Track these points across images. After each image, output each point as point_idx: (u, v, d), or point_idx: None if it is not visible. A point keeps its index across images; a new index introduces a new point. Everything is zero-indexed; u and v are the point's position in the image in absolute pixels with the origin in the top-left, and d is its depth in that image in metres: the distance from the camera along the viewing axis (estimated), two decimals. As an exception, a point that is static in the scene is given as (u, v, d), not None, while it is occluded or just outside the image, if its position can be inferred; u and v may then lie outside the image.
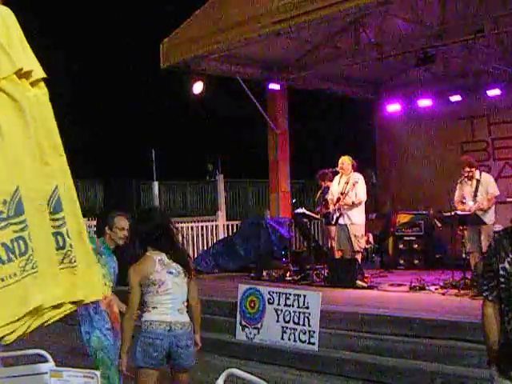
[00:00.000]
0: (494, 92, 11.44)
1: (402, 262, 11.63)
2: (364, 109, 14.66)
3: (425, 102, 12.49)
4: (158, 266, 4.30)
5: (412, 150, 13.24)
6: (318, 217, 10.31)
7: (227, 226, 13.75)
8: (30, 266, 2.15)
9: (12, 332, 2.12)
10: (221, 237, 13.26)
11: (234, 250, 11.72)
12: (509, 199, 10.66)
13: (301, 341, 7.09)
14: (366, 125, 14.71)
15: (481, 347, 5.29)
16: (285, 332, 7.28)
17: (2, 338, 2.13)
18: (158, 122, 23.11)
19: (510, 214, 8.60)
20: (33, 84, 2.27)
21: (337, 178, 9.88)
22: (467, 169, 8.61)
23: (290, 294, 7.38)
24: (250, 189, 21.27)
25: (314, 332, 7.01)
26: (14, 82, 2.17)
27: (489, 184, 8.63)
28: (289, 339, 7.21)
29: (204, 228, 13.32)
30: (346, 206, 9.50)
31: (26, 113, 2.18)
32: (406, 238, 11.75)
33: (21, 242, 2.13)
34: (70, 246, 2.32)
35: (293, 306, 7.28)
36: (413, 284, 8.81)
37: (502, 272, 2.96)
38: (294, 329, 7.20)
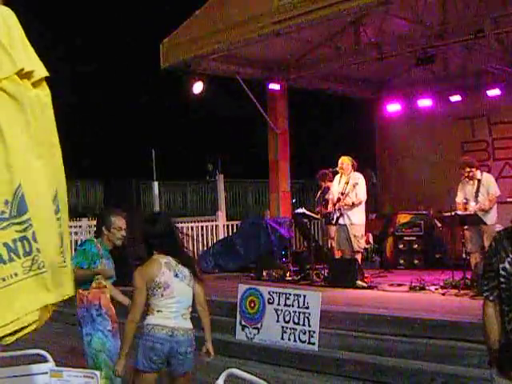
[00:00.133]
0: (493, 92, 11.44)
1: (401, 261, 11.64)
2: (364, 109, 14.66)
3: (425, 102, 12.49)
4: (165, 268, 4.28)
5: (412, 150, 13.24)
6: (318, 217, 10.31)
7: (227, 226, 13.75)
8: (36, 265, 2.15)
9: (14, 332, 2.13)
10: (221, 237, 13.27)
11: (234, 250, 11.72)
12: (509, 199, 10.66)
13: (301, 341, 7.09)
14: (366, 125, 14.71)
15: (481, 347, 5.30)
16: (285, 332, 7.28)
17: (3, 337, 2.13)
18: (158, 122, 23.11)
19: (510, 214, 8.60)
20: (35, 84, 2.27)
21: (337, 177, 9.88)
22: (467, 169, 8.62)
23: (290, 294, 7.38)
24: (250, 189, 21.27)
25: (314, 332, 7.01)
26: (15, 82, 2.17)
27: (490, 184, 8.63)
28: (289, 339, 7.21)
29: (204, 228, 13.32)
30: (346, 207, 9.51)
31: (27, 113, 2.18)
32: (405, 237, 11.76)
33: (25, 242, 2.13)
34: (65, 245, 2.34)
35: (293, 306, 7.28)
36: (413, 284, 8.81)
37: (502, 272, 2.96)
38: (294, 329, 7.20)
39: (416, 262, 11.50)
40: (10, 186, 2.12)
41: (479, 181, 8.62)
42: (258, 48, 10.72)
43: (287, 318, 7.29)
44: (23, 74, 2.20)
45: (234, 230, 13.41)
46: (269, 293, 7.58)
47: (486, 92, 11.53)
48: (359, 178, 9.59)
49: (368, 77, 13.08)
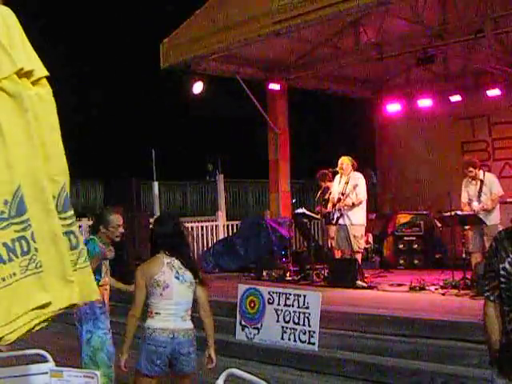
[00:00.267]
0: (493, 92, 11.43)
1: (401, 262, 11.64)
2: (364, 109, 14.65)
3: (425, 102, 12.48)
4: (166, 268, 4.29)
5: (412, 150, 13.23)
6: (318, 217, 10.31)
7: (227, 226, 13.75)
8: (33, 265, 2.15)
9: (12, 331, 2.13)
10: (221, 237, 13.26)
11: (234, 250, 11.72)
12: (509, 199, 10.66)
13: (301, 341, 7.09)
14: (366, 125, 14.70)
15: (481, 347, 5.30)
16: (285, 332, 7.27)
17: (2, 337, 2.13)
18: (158, 122, 23.09)
19: (510, 215, 8.60)
20: (35, 83, 2.26)
21: (337, 177, 9.89)
22: (470, 169, 8.63)
23: (290, 294, 7.38)
24: (250, 189, 21.26)
25: (314, 332, 7.01)
26: (14, 81, 2.17)
27: (492, 184, 8.63)
28: (289, 339, 7.21)
29: (204, 228, 13.32)
30: (346, 207, 9.50)
31: (28, 112, 2.18)
32: (406, 237, 11.76)
33: (23, 242, 2.13)
34: (82, 245, 2.34)
35: (293, 306, 7.28)
36: (413, 284, 8.81)
37: (502, 272, 2.96)
38: (294, 329, 7.20)
39: (416, 262, 11.50)
40: (10, 186, 2.12)
41: (482, 181, 8.63)
42: (257, 48, 10.72)
43: (287, 318, 7.29)
44: (23, 74, 2.20)
45: (234, 230, 13.41)
46: (269, 293, 7.58)
47: (485, 92, 11.52)
48: (359, 179, 9.59)
49: (368, 77, 13.09)
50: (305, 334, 7.08)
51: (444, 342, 6.39)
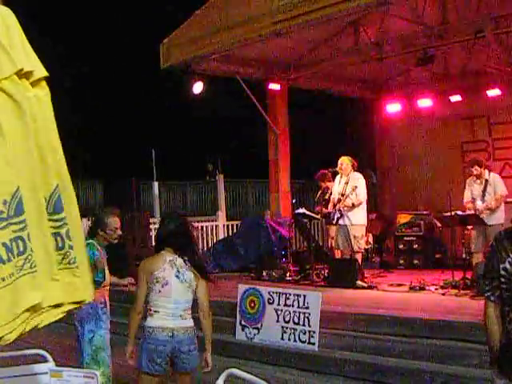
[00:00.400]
0: (493, 92, 11.42)
1: (401, 262, 11.63)
2: (364, 109, 14.65)
3: (425, 102, 12.47)
4: (167, 265, 4.30)
5: (412, 150, 13.24)
6: (318, 217, 10.31)
7: (227, 226, 13.76)
8: (28, 265, 2.15)
9: (11, 331, 2.13)
10: (221, 237, 13.27)
11: (234, 250, 11.71)
12: (509, 199, 10.66)
13: (301, 341, 7.09)
14: (366, 125, 14.70)
15: (481, 347, 5.31)
16: (285, 332, 7.27)
17: (2, 337, 2.13)
18: (158, 122, 23.09)
19: (511, 215, 8.61)
20: (34, 84, 2.26)
21: (337, 178, 9.89)
22: (476, 167, 8.59)
23: (290, 294, 7.37)
24: (250, 189, 21.25)
25: (314, 332, 7.01)
26: (14, 82, 2.17)
27: (497, 184, 8.60)
28: (289, 339, 7.21)
29: (204, 228, 13.32)
30: (346, 208, 9.50)
31: (27, 113, 2.18)
32: (406, 237, 11.76)
33: (19, 242, 2.14)
34: (70, 246, 2.32)
35: (293, 306, 7.27)
36: (413, 284, 8.81)
37: (502, 272, 2.96)
38: (294, 329, 7.20)
39: (416, 262, 11.50)
40: (9, 187, 2.12)
41: (486, 180, 8.60)
42: (257, 48, 10.71)
43: (287, 318, 7.29)
44: (22, 74, 2.20)
45: (234, 230, 13.41)
46: (269, 293, 7.58)
47: (486, 92, 11.51)
48: (359, 179, 9.57)
49: (368, 77, 13.08)
50: (305, 333, 7.08)
51: (444, 342, 6.38)
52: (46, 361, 3.69)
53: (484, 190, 8.56)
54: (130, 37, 21.84)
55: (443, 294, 8.21)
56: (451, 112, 12.29)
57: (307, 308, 7.15)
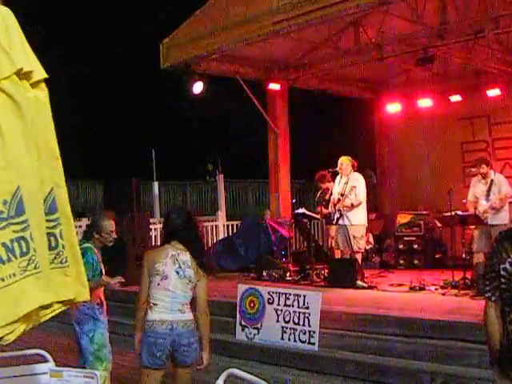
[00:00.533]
0: (493, 92, 11.42)
1: (401, 262, 11.64)
2: (364, 109, 14.65)
3: (425, 102, 12.47)
4: (169, 259, 4.33)
5: (412, 150, 13.24)
6: (318, 217, 10.31)
7: (227, 226, 13.75)
8: (32, 266, 2.15)
9: (11, 332, 2.13)
10: (221, 237, 13.26)
11: (234, 250, 11.71)
12: (509, 199, 10.65)
13: (301, 341, 7.09)
14: (366, 125, 14.70)
15: (481, 347, 5.30)
16: (285, 332, 7.27)
17: (2, 338, 2.13)
18: (158, 122, 23.09)
19: (510, 215, 8.60)
20: (33, 85, 2.26)
21: (338, 178, 9.89)
22: (483, 165, 8.54)
23: (290, 294, 7.37)
24: (250, 189, 21.25)
25: (314, 332, 7.01)
26: (14, 82, 2.16)
27: (502, 183, 8.56)
28: (289, 339, 7.21)
29: (204, 228, 13.31)
30: (345, 208, 9.49)
31: (26, 114, 2.18)
32: (406, 237, 11.76)
33: (22, 242, 2.13)
34: (63, 246, 2.33)
35: (293, 306, 7.27)
36: (413, 284, 8.81)
37: (503, 273, 2.96)
38: (294, 329, 7.19)
39: (416, 262, 11.51)
40: (9, 187, 2.12)
41: (492, 180, 8.57)
42: (257, 48, 10.71)
43: (287, 318, 7.28)
44: (22, 75, 2.20)
45: (234, 230, 13.41)
46: (269, 293, 7.58)
47: (486, 92, 11.52)
48: (357, 180, 9.57)
49: (368, 77, 13.09)
50: (305, 334, 7.08)
51: (444, 342, 6.38)
52: (46, 361, 3.69)
53: (489, 190, 8.51)
54: (130, 37, 21.84)
55: (443, 294, 8.21)
56: (451, 112, 12.30)
57: (307, 308, 7.14)
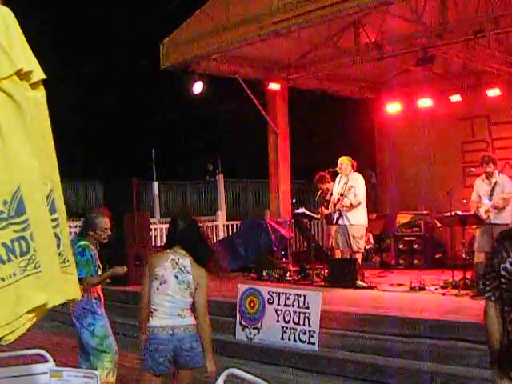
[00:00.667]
0: (493, 92, 11.42)
1: (401, 262, 11.64)
2: (364, 109, 14.64)
3: (425, 102, 12.47)
4: (169, 264, 4.31)
5: (412, 150, 13.23)
6: (318, 217, 10.31)
7: (227, 226, 13.76)
8: (32, 265, 2.15)
9: (12, 332, 2.13)
10: (221, 237, 13.27)
11: (234, 250, 11.71)
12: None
13: (301, 341, 7.09)
14: (366, 125, 14.69)
15: (481, 347, 5.30)
16: (285, 332, 7.27)
17: (2, 337, 2.13)
18: (158, 122, 23.10)
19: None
20: (32, 85, 2.26)
21: (338, 178, 9.89)
22: (490, 164, 8.49)
23: (290, 294, 7.37)
24: (250, 189, 21.25)
25: (314, 332, 7.01)
26: (14, 82, 2.17)
27: (506, 184, 8.54)
28: (289, 339, 7.21)
29: (204, 228, 13.30)
30: (344, 208, 9.49)
31: (25, 114, 2.18)
32: (406, 237, 11.76)
33: (22, 242, 2.13)
34: (64, 246, 2.34)
35: (293, 306, 7.27)
36: (413, 284, 8.81)
37: (503, 272, 2.96)
38: (294, 329, 7.19)
39: (416, 262, 11.50)
40: (9, 187, 2.12)
41: (495, 180, 8.55)
42: (257, 48, 10.71)
43: (287, 318, 7.28)
44: (22, 75, 2.20)
45: (234, 230, 13.41)
46: (269, 293, 7.58)
47: (485, 92, 11.51)
48: (356, 180, 9.56)
49: (368, 77, 13.08)
50: (305, 333, 7.08)
51: (444, 342, 6.38)
52: (46, 361, 3.69)
53: (492, 190, 8.49)
54: (131, 37, 21.84)
55: (443, 294, 8.21)
56: (451, 112, 12.29)
57: (307, 308, 7.14)
